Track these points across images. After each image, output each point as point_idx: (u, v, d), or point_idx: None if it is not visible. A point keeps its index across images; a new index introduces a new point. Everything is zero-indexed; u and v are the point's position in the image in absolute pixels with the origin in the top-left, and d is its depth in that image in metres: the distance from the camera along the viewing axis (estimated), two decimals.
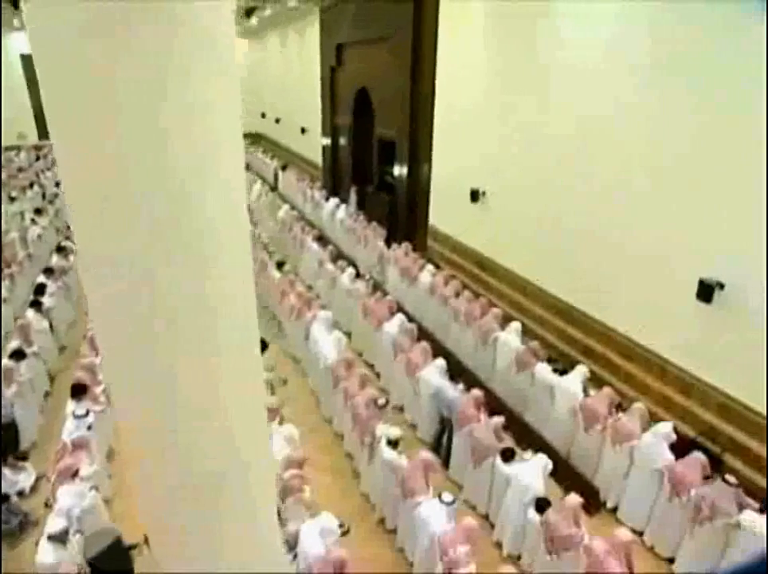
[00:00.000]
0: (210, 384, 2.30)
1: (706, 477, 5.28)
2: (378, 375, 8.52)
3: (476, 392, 6.31)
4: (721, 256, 6.31)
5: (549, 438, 6.71)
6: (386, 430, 5.67)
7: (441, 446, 6.87)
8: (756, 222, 5.89)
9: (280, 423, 5.88)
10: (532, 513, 5.15)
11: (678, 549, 5.47)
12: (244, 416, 2.52)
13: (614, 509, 6.16)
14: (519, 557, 5.57)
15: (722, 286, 6.26)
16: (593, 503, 6.07)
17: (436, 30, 11.33)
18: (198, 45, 1.88)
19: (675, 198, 6.81)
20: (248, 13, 20.89)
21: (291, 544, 4.84)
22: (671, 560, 5.56)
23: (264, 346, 7.12)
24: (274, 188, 18.23)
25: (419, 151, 12.52)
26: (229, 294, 2.23)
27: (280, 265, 10.10)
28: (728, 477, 5.08)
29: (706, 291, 6.27)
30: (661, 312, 7.16)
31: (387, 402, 6.30)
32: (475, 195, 10.40)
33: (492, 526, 5.91)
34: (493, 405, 6.91)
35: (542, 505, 5.05)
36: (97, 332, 2.27)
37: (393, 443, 5.55)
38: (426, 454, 5.26)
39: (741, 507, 4.90)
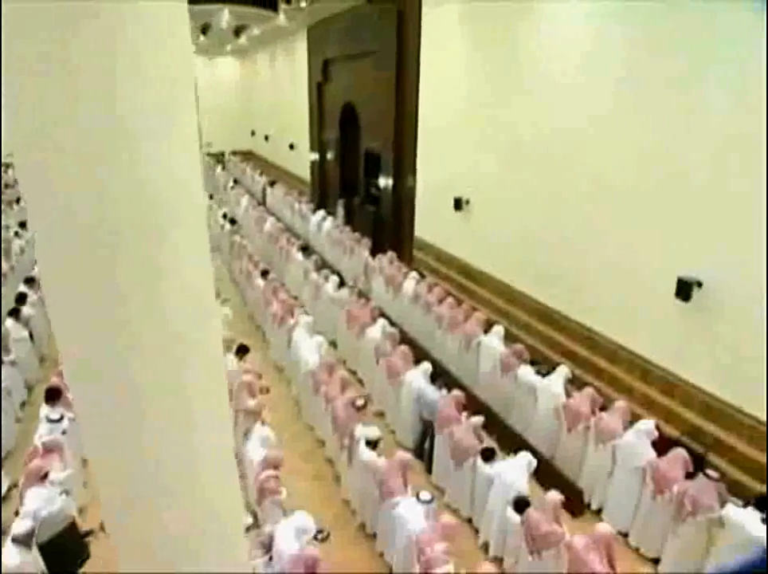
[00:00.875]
0: (170, 379, 2.22)
1: (688, 474, 5.23)
2: (361, 382, 8.45)
3: (457, 393, 6.26)
4: (698, 255, 6.36)
5: (532, 440, 6.64)
6: (365, 430, 5.59)
7: (424, 451, 6.79)
8: (732, 220, 5.98)
9: (263, 424, 5.79)
10: (511, 513, 5.06)
11: (663, 549, 5.39)
12: (206, 408, 2.43)
13: (599, 511, 6.08)
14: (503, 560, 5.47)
15: (700, 284, 6.30)
16: (577, 505, 6.00)
17: (419, 43, 11.55)
18: (149, 46, 1.89)
19: (653, 200, 6.89)
20: (237, 32, 21.21)
21: (267, 546, 4.72)
22: (656, 561, 5.47)
23: (245, 350, 7.07)
24: (262, 203, 18.28)
25: (404, 163, 12.64)
26: (188, 290, 2.18)
27: (264, 274, 10.07)
28: (709, 471, 5.03)
29: (684, 289, 6.30)
30: (642, 312, 7.18)
31: (366, 403, 6.23)
32: (458, 203, 10.47)
33: (477, 531, 5.81)
34: (477, 410, 6.85)
35: (521, 504, 4.96)
36: (56, 329, 2.21)
37: (372, 444, 5.47)
38: (403, 454, 5.19)
39: (723, 501, 4.85)
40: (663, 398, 6.94)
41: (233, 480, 3.00)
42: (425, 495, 4.78)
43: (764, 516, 4.51)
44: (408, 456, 5.21)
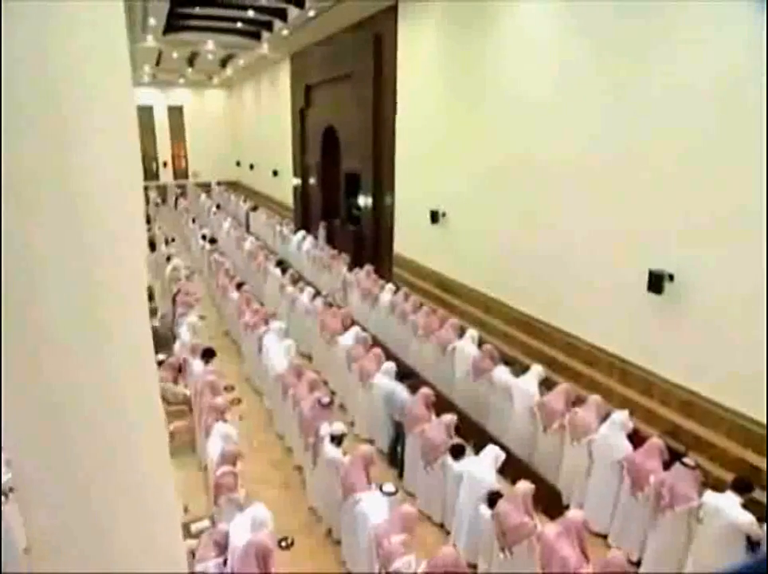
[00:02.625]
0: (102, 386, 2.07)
1: (665, 464, 5.01)
2: (334, 392, 8.19)
3: (426, 391, 6.06)
4: (669, 249, 6.33)
5: (510, 443, 6.37)
6: (330, 427, 5.35)
7: (397, 456, 6.52)
8: (700, 213, 5.98)
9: (224, 421, 5.53)
10: (485, 509, 4.79)
11: (644, 549, 5.12)
12: (138, 412, 2.27)
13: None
14: (476, 566, 5.15)
15: (671, 277, 6.24)
16: (555, 507, 5.71)
17: (395, 64, 11.83)
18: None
19: (622, 199, 6.91)
20: (224, 63, 21.73)
21: (221, 545, 4.40)
22: (638, 563, 5.17)
23: (211, 354, 6.86)
24: (246, 229, 18.28)
25: (382, 181, 12.75)
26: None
27: (239, 286, 9.93)
28: (686, 459, 4.82)
29: (656, 282, 6.23)
30: (618, 312, 7.10)
31: (332, 400, 5.99)
32: (435, 216, 10.50)
33: (448, 533, 5.51)
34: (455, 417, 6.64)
35: (493, 498, 4.71)
36: None
37: (336, 439, 5.21)
38: (365, 448, 4.94)
39: (701, 490, 4.63)
40: (641, 398, 6.76)
41: (163, 454, 2.78)
42: (389, 487, 4.52)
43: (743, 500, 4.30)
44: (371, 449, 4.96)
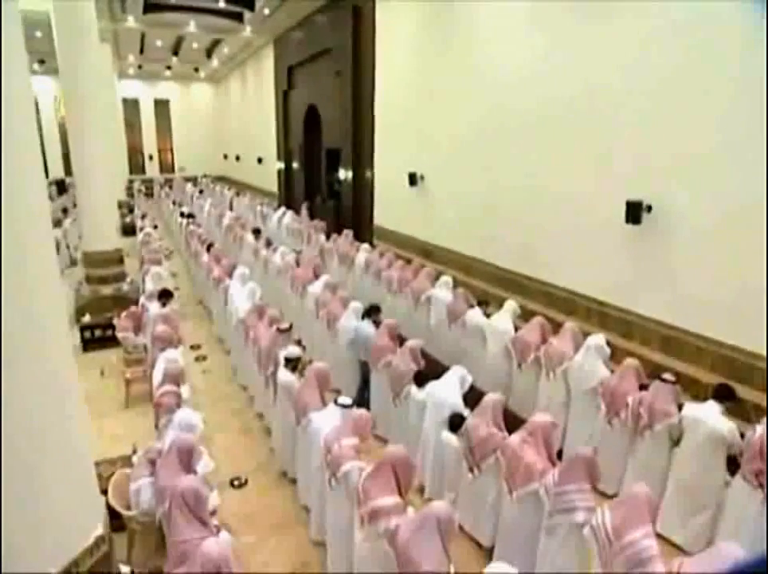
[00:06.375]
0: None
1: (642, 386, 4.68)
2: (304, 347, 7.84)
3: (390, 322, 5.72)
4: (645, 182, 6.07)
5: (485, 386, 6.00)
6: (285, 351, 4.99)
7: (365, 403, 6.15)
8: (674, 143, 5.74)
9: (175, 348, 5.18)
10: (447, 435, 4.42)
11: (622, 483, 4.76)
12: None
13: (559, 453, 5.42)
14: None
15: (649, 209, 5.96)
16: None
17: (373, 36, 11.66)
18: None
19: (595, 137, 6.70)
20: (209, 54, 21.56)
21: (156, 463, 4.02)
22: (614, 496, 4.80)
23: (168, 295, 6.52)
24: (230, 210, 17.99)
25: (362, 154, 12.54)
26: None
27: (209, 248, 9.62)
28: (666, 375, 4.48)
29: (634, 212, 5.95)
30: (595, 252, 6.83)
31: (291, 326, 5.63)
32: (413, 179, 10.26)
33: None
34: (429, 364, 6.28)
35: (456, 421, 4.33)
36: None
37: (291, 363, 4.85)
38: (319, 365, 4.57)
39: (680, 406, 4.29)
40: (622, 341, 6.46)
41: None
42: (345, 399, 4.15)
43: (723, 408, 3.97)
44: (325, 366, 4.59)
